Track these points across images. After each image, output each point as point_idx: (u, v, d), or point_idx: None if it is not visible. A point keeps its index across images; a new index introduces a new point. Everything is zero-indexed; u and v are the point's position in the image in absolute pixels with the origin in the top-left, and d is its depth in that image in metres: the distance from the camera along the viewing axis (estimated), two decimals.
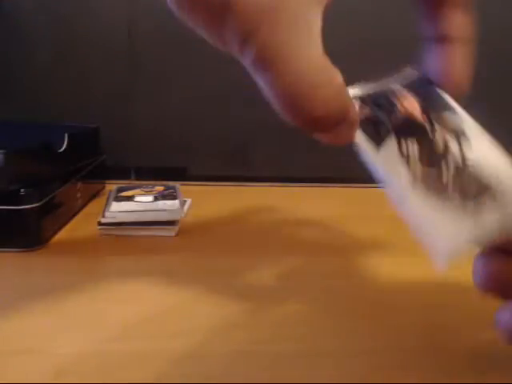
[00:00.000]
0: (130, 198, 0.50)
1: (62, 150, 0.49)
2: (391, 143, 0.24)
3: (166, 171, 0.67)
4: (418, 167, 0.24)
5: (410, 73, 0.28)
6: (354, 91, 0.26)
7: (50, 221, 0.44)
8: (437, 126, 0.25)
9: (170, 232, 0.46)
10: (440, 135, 0.25)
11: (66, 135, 0.50)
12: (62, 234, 0.46)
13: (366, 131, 0.25)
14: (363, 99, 0.26)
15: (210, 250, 0.43)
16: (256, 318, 0.32)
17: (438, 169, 0.23)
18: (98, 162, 0.59)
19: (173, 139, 0.68)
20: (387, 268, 0.40)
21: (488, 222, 0.22)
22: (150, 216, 0.46)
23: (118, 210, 0.47)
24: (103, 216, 0.46)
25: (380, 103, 0.26)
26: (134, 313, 0.32)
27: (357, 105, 0.25)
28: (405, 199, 0.23)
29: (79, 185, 0.52)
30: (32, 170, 0.44)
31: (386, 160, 0.24)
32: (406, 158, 0.24)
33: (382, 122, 0.25)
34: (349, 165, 0.69)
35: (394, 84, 0.27)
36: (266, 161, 0.69)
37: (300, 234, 0.48)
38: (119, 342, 0.29)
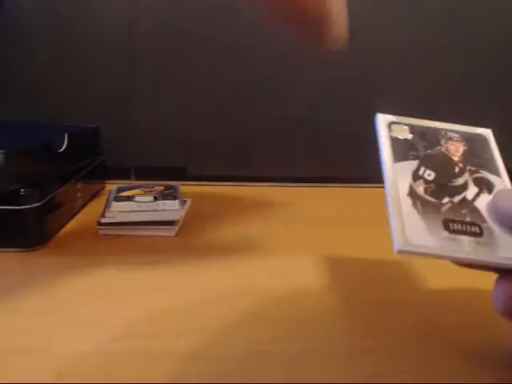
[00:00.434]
0: (130, 198, 0.50)
1: (61, 150, 0.49)
2: (412, 164, 0.28)
3: (166, 171, 0.67)
4: (420, 189, 0.27)
5: (478, 132, 0.31)
6: (408, 120, 0.30)
7: (50, 221, 0.44)
8: (467, 173, 0.28)
9: (170, 232, 0.46)
10: (465, 178, 0.28)
11: (66, 135, 0.50)
12: (62, 234, 0.46)
13: (395, 145, 0.29)
14: (413, 127, 0.30)
15: (209, 249, 0.43)
16: (258, 318, 0.32)
17: (435, 200, 0.26)
18: (97, 162, 0.59)
19: (173, 139, 0.68)
20: (387, 267, 0.40)
21: (463, 251, 0.24)
22: (150, 216, 0.46)
23: (118, 209, 0.47)
24: (103, 216, 0.46)
25: (426, 137, 0.30)
26: (135, 312, 0.32)
27: (406, 130, 0.30)
28: (394, 201, 0.26)
29: (79, 185, 0.52)
30: (32, 170, 0.44)
31: (397, 171, 0.27)
32: (416, 178, 0.27)
33: (417, 148, 0.29)
34: (349, 165, 0.69)
35: (451, 131, 0.30)
36: (266, 161, 0.69)
37: (300, 234, 0.48)
38: (120, 342, 0.29)
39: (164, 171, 0.68)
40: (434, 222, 0.25)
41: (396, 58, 0.66)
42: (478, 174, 0.28)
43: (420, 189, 0.27)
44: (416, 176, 0.27)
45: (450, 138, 0.30)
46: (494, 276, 0.25)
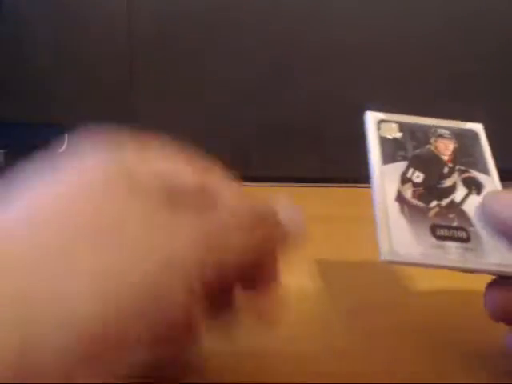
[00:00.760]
0: None
1: (62, 150, 0.49)
2: (400, 165, 0.27)
3: None
4: (408, 192, 0.26)
5: (468, 128, 0.30)
6: (397, 117, 0.30)
7: None
8: (456, 173, 0.28)
9: None
10: (454, 179, 0.27)
11: (66, 135, 0.50)
12: None
13: (384, 146, 0.28)
14: (402, 125, 0.29)
15: None
16: None
17: (423, 204, 0.26)
18: None
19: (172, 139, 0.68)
20: (386, 268, 0.40)
21: (450, 259, 0.24)
22: None
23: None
24: None
25: (416, 136, 0.29)
26: None
27: (395, 128, 0.29)
28: (380, 207, 0.26)
29: None
30: None
31: (386, 174, 0.27)
32: (404, 181, 0.27)
33: (406, 148, 0.28)
34: (349, 165, 0.69)
35: (441, 128, 0.29)
36: (265, 161, 0.69)
37: None
38: None
39: None
40: (422, 228, 0.25)
41: (396, 57, 0.66)
42: (467, 174, 0.28)
43: (408, 192, 0.26)
44: (404, 179, 0.27)
45: (440, 136, 0.29)
46: (488, 277, 0.25)
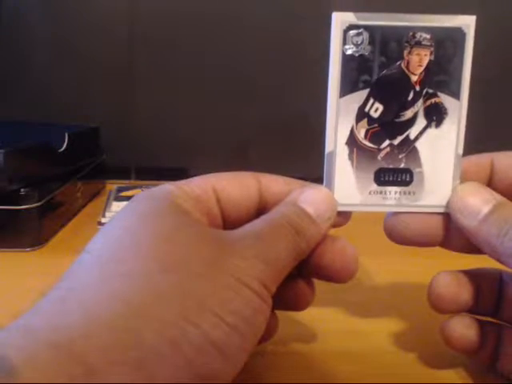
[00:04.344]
0: (130, 198, 0.50)
1: (62, 149, 0.49)
2: (360, 95, 0.24)
3: (166, 171, 0.67)
4: (361, 133, 0.24)
5: (457, 25, 0.23)
6: (370, 18, 0.23)
7: (49, 221, 0.44)
8: (421, 100, 0.24)
9: None
10: (416, 109, 0.24)
11: (67, 135, 0.50)
12: (62, 234, 0.46)
13: (347, 68, 0.23)
14: (374, 33, 0.23)
15: None
16: None
17: (374, 145, 0.24)
18: (98, 162, 0.59)
19: (173, 139, 0.68)
20: (384, 267, 0.40)
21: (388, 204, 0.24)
22: None
23: (119, 210, 0.47)
24: (103, 216, 0.46)
25: (388, 48, 0.23)
26: None
27: (365, 39, 0.23)
28: (329, 153, 0.25)
29: (79, 185, 0.52)
30: (32, 170, 0.44)
31: (342, 110, 0.24)
32: (360, 117, 0.24)
33: (372, 68, 0.23)
34: None
35: (422, 30, 0.23)
36: (266, 161, 0.69)
37: None
38: None
39: (164, 171, 0.67)
40: (366, 174, 0.24)
41: None
42: (434, 100, 0.24)
43: (361, 132, 0.24)
44: (361, 114, 0.24)
45: (418, 43, 0.23)
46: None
